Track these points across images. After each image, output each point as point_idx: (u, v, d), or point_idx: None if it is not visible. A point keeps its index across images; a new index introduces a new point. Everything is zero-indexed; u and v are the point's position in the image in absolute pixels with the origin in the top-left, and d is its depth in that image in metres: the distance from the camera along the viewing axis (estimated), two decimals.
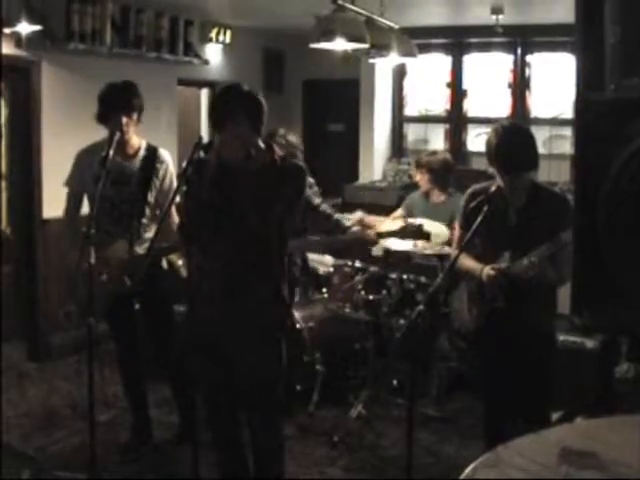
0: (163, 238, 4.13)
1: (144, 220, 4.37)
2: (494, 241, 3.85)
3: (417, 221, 5.22)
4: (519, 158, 3.74)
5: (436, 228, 5.29)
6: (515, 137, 3.77)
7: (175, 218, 4.30)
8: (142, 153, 4.40)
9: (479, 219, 3.43)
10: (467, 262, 3.89)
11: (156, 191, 4.38)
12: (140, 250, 4.25)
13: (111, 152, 3.93)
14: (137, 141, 4.41)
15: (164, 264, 4.50)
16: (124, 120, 4.21)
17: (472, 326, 4.01)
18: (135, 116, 4.30)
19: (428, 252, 5.37)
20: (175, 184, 4.37)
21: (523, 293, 3.76)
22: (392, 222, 5.76)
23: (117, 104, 4.22)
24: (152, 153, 4.42)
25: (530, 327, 3.82)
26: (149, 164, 4.38)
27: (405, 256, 5.55)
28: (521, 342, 3.80)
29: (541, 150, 4.23)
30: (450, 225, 5.28)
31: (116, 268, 4.20)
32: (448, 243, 5.13)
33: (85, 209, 4.45)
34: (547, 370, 3.93)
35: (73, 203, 4.46)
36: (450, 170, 5.76)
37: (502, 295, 3.81)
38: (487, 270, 3.82)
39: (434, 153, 6.07)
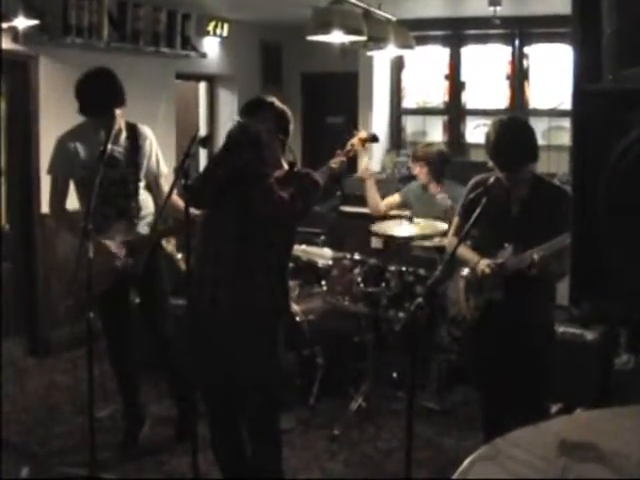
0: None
1: (141, 198, 4.37)
2: (496, 233, 3.86)
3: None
4: (519, 153, 3.76)
5: (431, 222, 5.31)
6: (514, 131, 3.77)
7: (178, 201, 4.30)
8: (124, 133, 4.34)
9: (477, 210, 3.43)
10: (464, 252, 3.91)
11: (145, 168, 4.38)
12: (141, 229, 4.29)
13: (109, 146, 3.92)
14: (118, 122, 4.32)
15: (166, 248, 4.51)
16: (118, 112, 4.17)
17: (469, 316, 4.02)
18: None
19: (427, 244, 5.39)
20: (160, 155, 4.47)
21: (522, 285, 3.76)
22: (385, 206, 5.83)
23: (114, 97, 4.17)
24: (133, 132, 4.37)
25: (528, 319, 3.82)
26: (133, 143, 4.35)
27: (405, 247, 5.57)
28: (519, 334, 3.80)
29: (540, 141, 4.24)
30: (446, 217, 5.29)
31: (121, 250, 4.21)
32: (444, 234, 5.14)
33: (72, 197, 4.38)
34: (545, 362, 3.93)
35: (59, 190, 4.34)
36: (446, 161, 5.76)
37: (500, 287, 3.82)
38: (482, 265, 3.83)
39: (429, 145, 6.08)
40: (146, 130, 4.45)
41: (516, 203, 3.84)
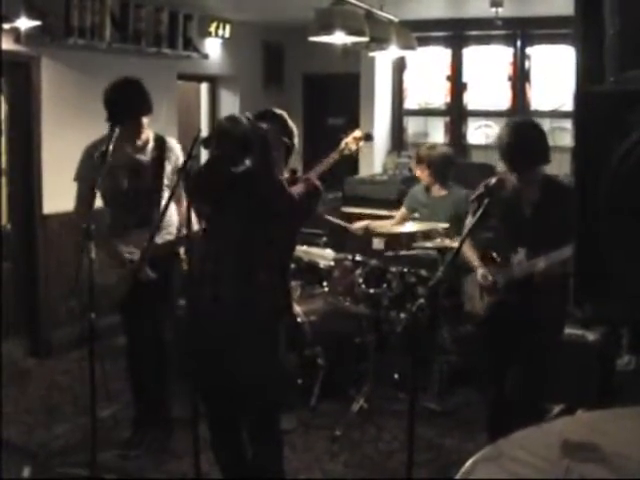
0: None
1: (162, 209, 4.38)
2: (509, 235, 3.88)
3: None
4: (533, 154, 3.79)
5: (436, 224, 5.32)
6: (526, 133, 3.80)
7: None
8: (151, 144, 4.41)
9: (479, 211, 3.45)
10: (469, 254, 3.93)
11: (169, 179, 4.42)
12: (159, 239, 4.29)
13: (110, 148, 3.95)
14: (146, 132, 4.43)
15: (181, 253, 4.53)
16: (145, 121, 4.28)
17: (482, 312, 4.04)
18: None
19: (429, 245, 5.39)
20: None
21: (535, 288, 3.77)
22: (396, 225, 5.82)
23: (141, 106, 4.27)
24: (161, 143, 4.44)
25: (540, 322, 3.83)
26: (160, 154, 4.41)
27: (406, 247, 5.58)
28: (528, 335, 3.81)
29: None
30: (451, 219, 5.29)
31: (140, 259, 4.21)
32: (447, 236, 5.15)
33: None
34: (547, 365, 3.94)
35: (84, 197, 4.31)
36: (450, 164, 5.74)
37: (513, 289, 3.83)
38: (479, 275, 3.87)
39: (433, 147, 6.02)
40: (174, 143, 4.51)
41: (528, 205, 3.86)
